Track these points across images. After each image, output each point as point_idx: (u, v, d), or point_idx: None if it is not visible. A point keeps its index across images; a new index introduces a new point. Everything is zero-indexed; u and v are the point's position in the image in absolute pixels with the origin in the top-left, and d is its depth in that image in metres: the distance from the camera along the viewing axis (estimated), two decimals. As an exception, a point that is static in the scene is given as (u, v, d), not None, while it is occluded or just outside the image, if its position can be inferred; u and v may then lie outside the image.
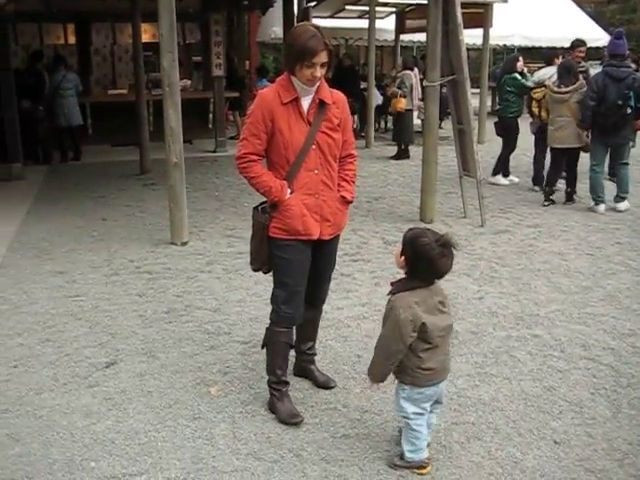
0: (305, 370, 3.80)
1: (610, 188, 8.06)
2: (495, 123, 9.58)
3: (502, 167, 9.51)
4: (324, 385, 3.73)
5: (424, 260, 2.81)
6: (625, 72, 7.37)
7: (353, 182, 3.44)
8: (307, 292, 3.42)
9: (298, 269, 3.31)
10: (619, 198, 7.88)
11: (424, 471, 3.00)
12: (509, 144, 9.42)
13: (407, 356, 2.87)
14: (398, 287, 2.92)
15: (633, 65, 8.69)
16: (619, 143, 7.76)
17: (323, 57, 3.09)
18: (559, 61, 8.58)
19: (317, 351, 3.88)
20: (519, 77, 9.02)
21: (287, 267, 3.30)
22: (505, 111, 9.19)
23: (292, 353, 3.65)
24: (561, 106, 7.83)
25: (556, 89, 7.89)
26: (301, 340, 3.72)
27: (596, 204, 7.80)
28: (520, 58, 9.43)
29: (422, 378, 2.90)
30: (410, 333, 2.81)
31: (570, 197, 8.20)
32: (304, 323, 3.56)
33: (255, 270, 3.50)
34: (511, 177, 9.64)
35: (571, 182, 8.19)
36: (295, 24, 11.16)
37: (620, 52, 7.53)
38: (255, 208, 3.41)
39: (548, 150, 8.41)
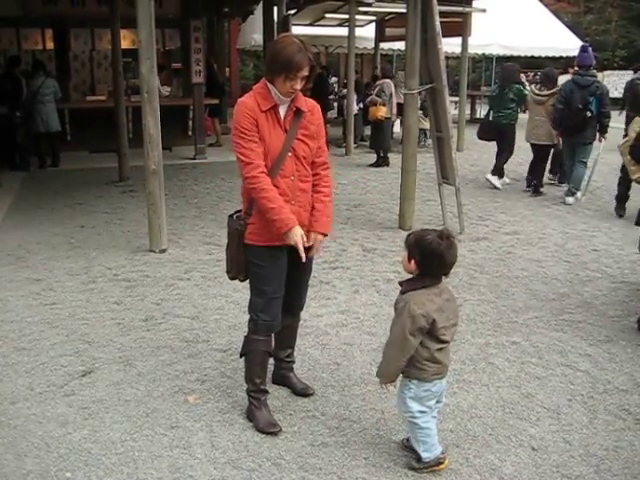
0: (283, 378, 3.79)
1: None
2: (485, 128, 9.84)
3: (499, 170, 9.93)
4: (302, 393, 3.71)
5: (434, 257, 2.90)
6: (589, 80, 8.29)
7: (327, 216, 3.37)
8: (285, 299, 3.40)
9: (275, 276, 3.30)
10: (570, 192, 8.78)
11: (442, 467, 3.07)
12: (507, 149, 9.79)
13: (417, 350, 2.93)
14: (410, 286, 2.98)
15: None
16: (580, 142, 8.56)
17: (306, 71, 3.13)
18: (573, 70, 9.47)
19: (296, 359, 3.87)
20: (522, 88, 9.69)
21: (264, 274, 3.29)
22: (507, 118, 9.51)
23: (271, 361, 3.65)
24: (539, 107, 8.97)
25: (537, 92, 9.08)
26: (279, 347, 3.70)
27: (567, 195, 8.76)
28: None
29: (430, 371, 2.95)
30: (423, 327, 2.87)
31: (537, 190, 9.22)
32: (282, 330, 3.54)
33: (232, 279, 3.48)
34: (504, 179, 10.08)
35: (539, 176, 9.25)
36: (275, 32, 11.19)
37: (586, 63, 8.45)
38: (230, 216, 3.41)
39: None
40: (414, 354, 2.93)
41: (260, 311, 3.32)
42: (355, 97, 13.10)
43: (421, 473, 3.05)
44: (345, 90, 12.76)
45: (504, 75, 9.76)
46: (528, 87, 9.91)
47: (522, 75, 10.14)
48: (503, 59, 21.21)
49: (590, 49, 8.65)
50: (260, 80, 3.28)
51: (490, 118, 9.73)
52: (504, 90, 9.47)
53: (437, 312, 2.90)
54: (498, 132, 9.64)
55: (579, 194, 8.82)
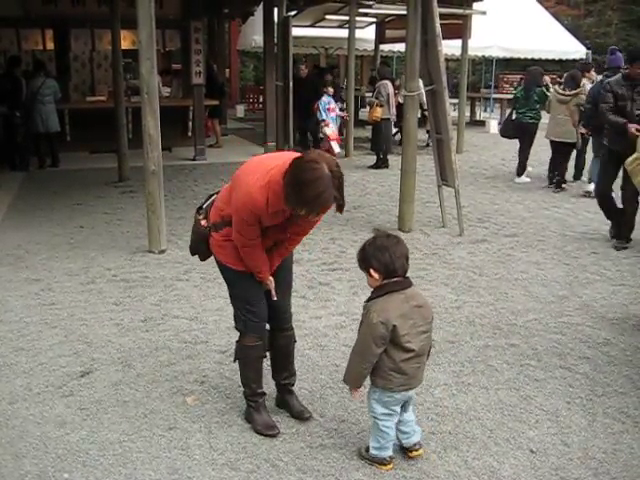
0: (282, 400, 3.63)
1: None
2: (509, 127, 10.47)
3: (523, 166, 10.54)
4: (298, 416, 3.51)
5: (386, 255, 2.92)
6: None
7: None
8: (270, 315, 3.37)
9: (254, 284, 3.28)
10: (590, 181, 9.27)
11: (385, 468, 3.09)
12: (529, 146, 10.39)
13: (382, 359, 2.93)
14: (374, 294, 2.99)
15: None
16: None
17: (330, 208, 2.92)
18: (590, 74, 10.47)
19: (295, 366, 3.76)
20: (545, 90, 10.27)
21: (245, 287, 3.29)
22: (532, 118, 10.13)
23: (273, 386, 3.63)
24: (562, 106, 9.46)
25: (561, 91, 9.64)
26: (276, 371, 3.59)
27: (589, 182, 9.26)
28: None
29: (395, 382, 2.94)
30: (383, 335, 2.87)
31: (559, 185, 9.70)
32: (277, 353, 3.51)
33: (192, 255, 3.50)
34: (528, 168, 10.67)
35: (562, 172, 9.73)
36: (275, 33, 11.19)
37: (613, 65, 9.11)
38: (198, 210, 3.38)
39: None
40: (379, 363, 2.93)
41: (248, 312, 3.30)
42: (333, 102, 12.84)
43: (364, 462, 3.11)
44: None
45: (529, 78, 10.37)
46: (552, 88, 10.35)
47: (546, 77, 10.93)
48: (503, 61, 21.27)
49: (619, 52, 9.28)
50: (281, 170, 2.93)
51: (513, 117, 10.41)
52: (529, 92, 10.06)
53: (400, 318, 2.88)
54: (521, 130, 10.21)
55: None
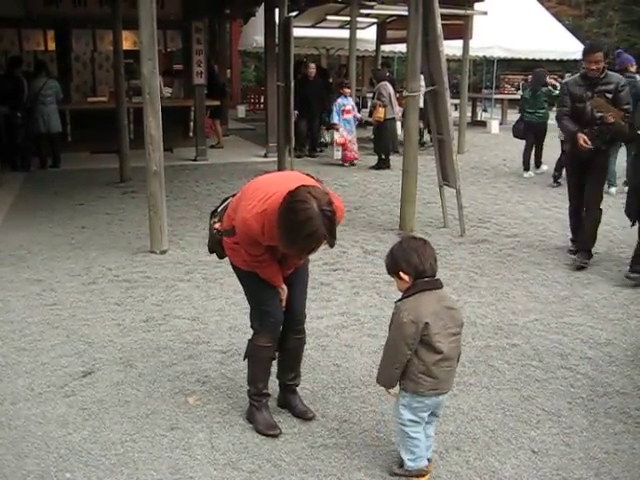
0: (285, 400, 3.63)
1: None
2: (519, 127, 10.90)
3: (535, 159, 11.19)
4: (301, 416, 3.52)
5: (412, 253, 2.91)
6: (631, 81, 8.74)
7: None
8: (284, 315, 3.37)
9: (268, 285, 3.28)
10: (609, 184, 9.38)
11: (423, 479, 3.01)
12: (541, 144, 11.03)
13: (412, 361, 2.88)
14: (403, 295, 2.97)
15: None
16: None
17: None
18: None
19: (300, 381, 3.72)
20: (552, 89, 10.68)
21: (259, 288, 3.28)
22: (542, 117, 10.71)
23: (276, 387, 3.62)
24: None
25: None
26: (283, 371, 3.57)
27: (609, 187, 9.15)
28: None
29: (425, 385, 2.89)
30: (413, 335, 2.82)
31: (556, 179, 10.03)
32: (286, 354, 3.49)
33: (211, 253, 3.53)
34: (543, 166, 11.27)
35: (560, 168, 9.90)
36: (276, 34, 11.19)
37: (624, 65, 9.00)
38: (213, 213, 3.41)
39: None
40: (410, 366, 2.88)
41: (266, 312, 3.31)
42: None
43: (400, 478, 3.02)
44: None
45: (535, 79, 10.87)
46: (559, 87, 10.60)
47: (552, 79, 11.34)
48: (504, 62, 21.26)
49: (623, 52, 9.54)
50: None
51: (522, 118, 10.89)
52: (536, 92, 10.53)
53: (432, 316, 2.84)
54: (531, 129, 10.69)
55: (613, 189, 9.41)
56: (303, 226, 2.74)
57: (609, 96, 5.81)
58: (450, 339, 2.90)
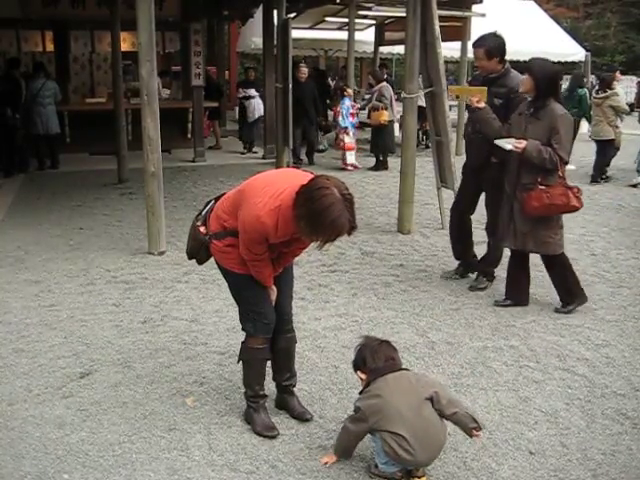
0: (282, 401, 3.64)
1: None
2: None
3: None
4: (299, 417, 3.53)
5: (368, 354, 3.11)
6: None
7: None
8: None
9: (259, 286, 3.29)
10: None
11: None
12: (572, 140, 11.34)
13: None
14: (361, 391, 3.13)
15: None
16: None
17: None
18: (617, 75, 11.41)
19: (296, 381, 3.72)
20: (585, 92, 11.62)
21: (251, 290, 3.29)
22: (574, 115, 10.88)
23: (273, 388, 3.64)
24: (597, 108, 10.60)
25: (595, 95, 10.76)
26: (277, 372, 3.58)
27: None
28: None
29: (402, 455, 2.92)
30: (365, 421, 2.97)
31: (595, 179, 10.59)
32: (277, 354, 3.50)
33: (190, 259, 3.53)
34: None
35: (595, 167, 10.64)
36: (275, 35, 11.19)
37: None
38: (196, 218, 3.38)
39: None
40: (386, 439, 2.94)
41: (257, 314, 3.31)
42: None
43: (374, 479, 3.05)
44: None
45: (573, 80, 11.83)
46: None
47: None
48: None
49: None
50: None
51: None
52: (572, 93, 11.45)
53: (388, 395, 2.95)
54: None
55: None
56: (327, 212, 2.78)
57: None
58: (407, 414, 2.91)
